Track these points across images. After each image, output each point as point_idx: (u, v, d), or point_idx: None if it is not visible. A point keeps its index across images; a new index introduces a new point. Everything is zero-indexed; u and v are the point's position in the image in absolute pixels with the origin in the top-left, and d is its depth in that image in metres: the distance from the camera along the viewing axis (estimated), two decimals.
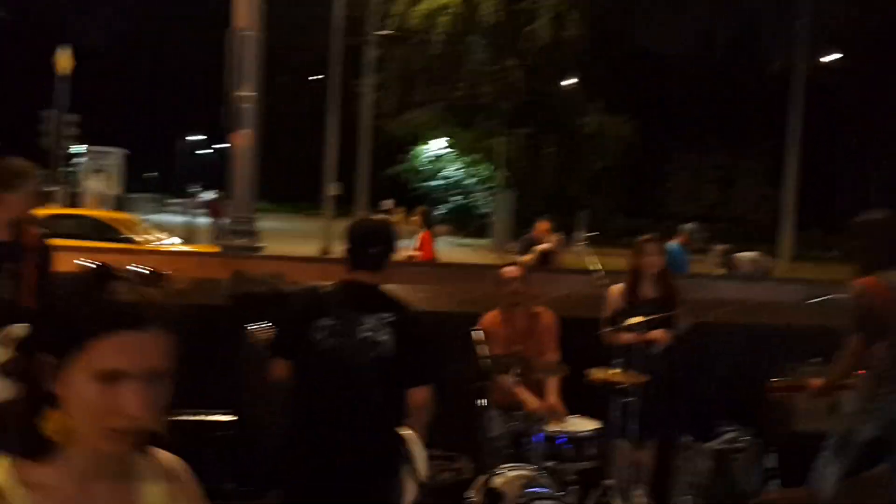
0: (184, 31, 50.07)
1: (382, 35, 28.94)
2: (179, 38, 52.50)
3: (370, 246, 3.31)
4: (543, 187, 36.13)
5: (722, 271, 11.13)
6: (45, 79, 26.39)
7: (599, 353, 4.97)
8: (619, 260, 5.76)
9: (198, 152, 63.07)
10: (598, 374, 4.71)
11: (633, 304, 5.30)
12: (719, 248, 11.45)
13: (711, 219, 43.26)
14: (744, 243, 36.36)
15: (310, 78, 49.36)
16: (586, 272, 5.58)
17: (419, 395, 3.26)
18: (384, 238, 3.38)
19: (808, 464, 5.52)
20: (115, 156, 37.01)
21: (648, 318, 4.90)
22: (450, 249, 30.54)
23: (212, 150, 57.79)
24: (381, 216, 3.60)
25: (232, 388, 4.90)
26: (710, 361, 5.86)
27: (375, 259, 3.30)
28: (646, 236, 5.55)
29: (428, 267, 9.15)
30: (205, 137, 58.81)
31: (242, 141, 9.57)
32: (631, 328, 4.84)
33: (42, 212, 7.89)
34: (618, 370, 4.73)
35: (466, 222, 38.65)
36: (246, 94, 9.62)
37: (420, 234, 9.86)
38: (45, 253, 3.80)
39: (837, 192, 42.73)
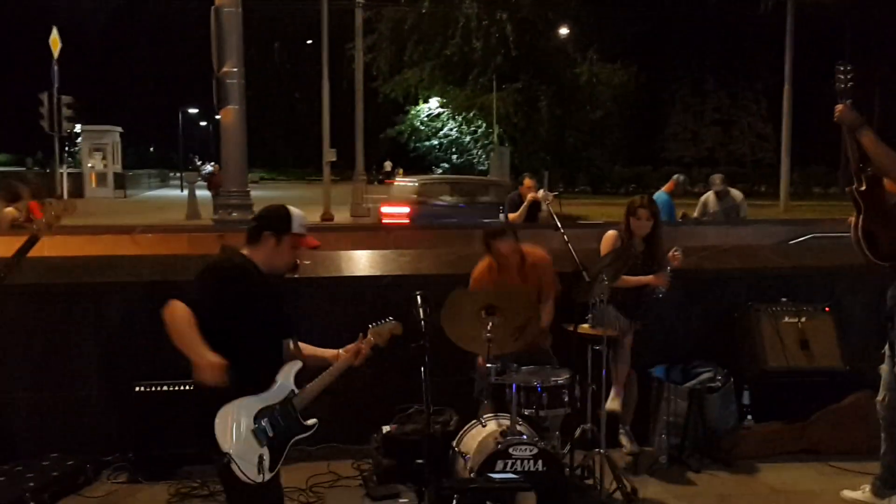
0: (175, 4, 49.76)
1: None
2: (171, 11, 52.17)
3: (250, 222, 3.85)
4: (540, 141, 36.15)
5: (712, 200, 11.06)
6: (38, 61, 26.45)
7: (573, 305, 5.21)
8: (621, 209, 5.97)
9: (199, 124, 63.04)
10: (571, 326, 4.95)
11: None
12: (716, 177, 11.46)
13: (712, 162, 43.34)
14: (745, 185, 36.51)
15: (306, 42, 49.21)
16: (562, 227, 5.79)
17: (166, 308, 3.51)
18: (257, 216, 3.87)
19: (778, 399, 5.82)
20: (110, 134, 37.17)
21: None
22: None
23: (208, 124, 57.75)
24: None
25: None
26: (686, 305, 6.09)
27: (248, 232, 3.78)
28: (638, 200, 5.79)
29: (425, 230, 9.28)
30: (200, 111, 58.79)
31: (230, 117, 9.75)
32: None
33: None
34: (589, 324, 4.97)
35: None
36: (231, 69, 9.77)
37: (28, 203, 9.34)
38: None
39: (838, 129, 42.49)
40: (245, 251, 3.69)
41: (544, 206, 8.63)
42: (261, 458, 3.49)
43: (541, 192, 10.30)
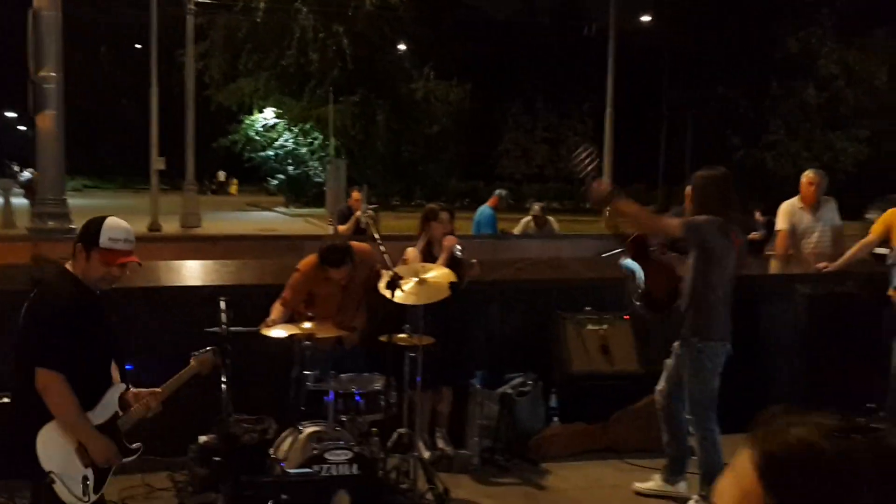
0: None
1: (203, 3, 28.27)
2: None
3: None
4: (377, 154, 36.44)
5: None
6: None
7: (391, 315, 5.40)
8: (458, 223, 6.21)
9: (18, 128, 59.48)
10: (386, 338, 5.14)
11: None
12: (536, 206, 12.24)
13: (542, 178, 44.97)
14: (572, 201, 37.86)
15: (135, 47, 47.39)
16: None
17: (37, 378, 3.31)
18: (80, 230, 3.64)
19: (583, 401, 6.23)
20: None
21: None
22: (284, 221, 30.50)
23: (27, 129, 54.57)
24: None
25: None
26: (503, 314, 6.42)
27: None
28: (433, 206, 6.08)
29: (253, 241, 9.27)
30: (18, 115, 55.49)
31: (47, 123, 9.41)
32: None
33: None
34: (405, 334, 5.17)
35: (301, 192, 38.51)
36: (49, 73, 9.43)
37: None
38: None
39: (656, 148, 45.30)
40: (67, 265, 3.52)
41: (363, 220, 8.81)
42: (85, 478, 3.41)
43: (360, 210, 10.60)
